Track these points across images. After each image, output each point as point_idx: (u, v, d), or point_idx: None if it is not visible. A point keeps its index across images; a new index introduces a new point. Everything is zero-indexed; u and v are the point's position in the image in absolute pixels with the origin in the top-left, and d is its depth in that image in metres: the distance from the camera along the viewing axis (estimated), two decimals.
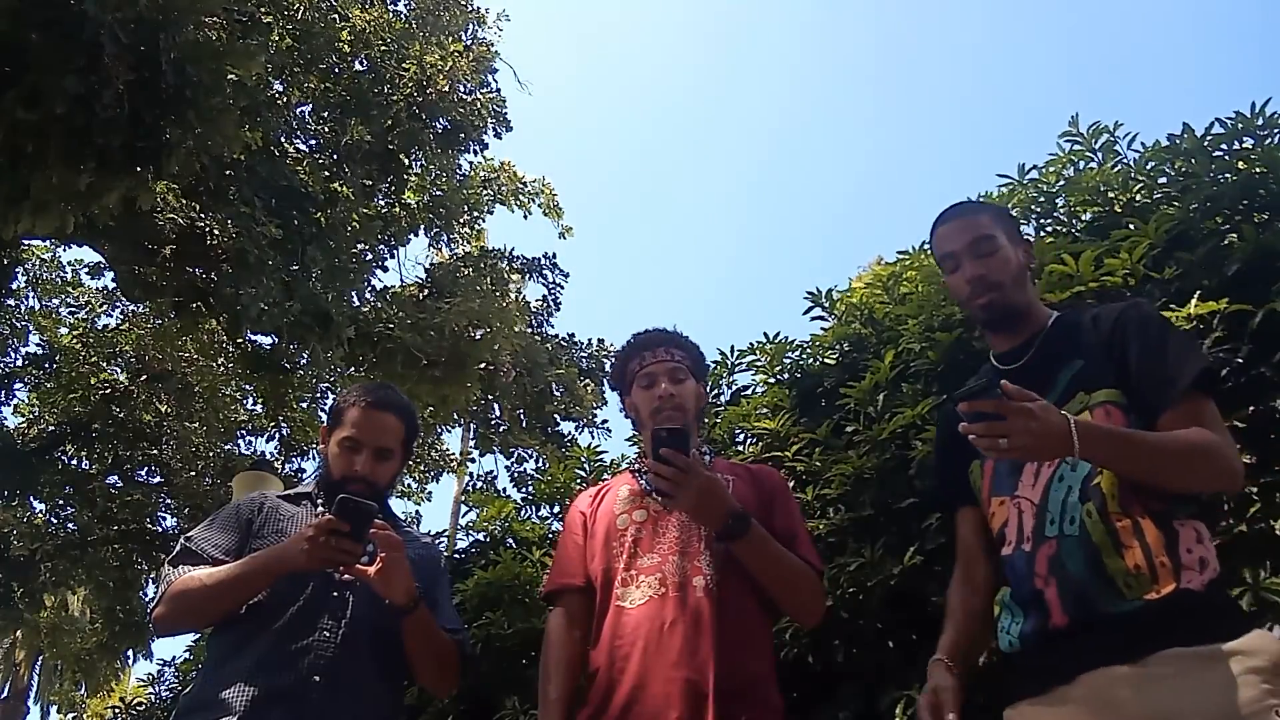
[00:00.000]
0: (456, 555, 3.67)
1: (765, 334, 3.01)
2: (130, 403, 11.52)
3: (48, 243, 10.77)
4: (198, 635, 4.17)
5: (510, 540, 3.37)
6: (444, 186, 11.01)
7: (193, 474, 11.94)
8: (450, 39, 10.32)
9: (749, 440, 2.92)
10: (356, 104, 9.46)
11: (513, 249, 11.78)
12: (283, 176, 8.18)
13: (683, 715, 1.70)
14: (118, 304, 11.69)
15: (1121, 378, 1.55)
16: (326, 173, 9.08)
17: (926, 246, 2.82)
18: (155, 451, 11.93)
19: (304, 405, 11.45)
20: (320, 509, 2.04)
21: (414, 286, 10.72)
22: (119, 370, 11.88)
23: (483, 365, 9.90)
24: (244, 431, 12.47)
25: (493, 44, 10.82)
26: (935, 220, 1.83)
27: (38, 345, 11.77)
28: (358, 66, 9.74)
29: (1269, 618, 1.76)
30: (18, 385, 11.61)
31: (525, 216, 12.23)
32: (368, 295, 9.75)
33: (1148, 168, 2.46)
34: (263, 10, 7.98)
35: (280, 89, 9.30)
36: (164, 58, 5.14)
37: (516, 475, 12.11)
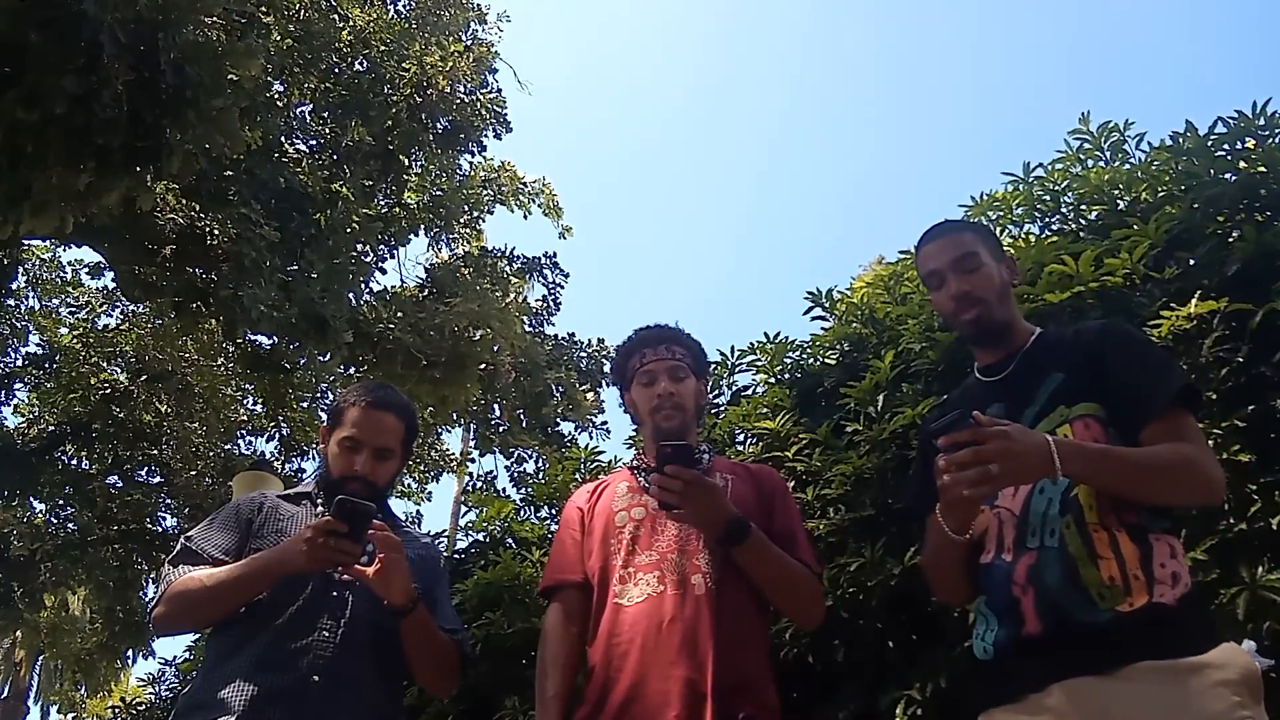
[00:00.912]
0: (456, 555, 3.67)
1: (765, 334, 3.01)
2: (130, 403, 11.52)
3: (48, 243, 10.77)
4: (198, 635, 4.17)
5: (510, 540, 3.37)
6: (444, 186, 11.00)
7: (193, 474, 11.93)
8: (450, 39, 10.31)
9: (749, 440, 2.92)
10: (356, 104, 9.45)
11: (513, 249, 11.79)
12: (282, 177, 8.18)
13: (681, 713, 1.70)
14: (118, 304, 11.68)
15: (1102, 392, 1.57)
16: (326, 173, 9.08)
17: None
18: (155, 451, 11.92)
19: (304, 405, 11.45)
20: (320, 509, 2.04)
21: (414, 287, 10.72)
22: (119, 370, 11.87)
23: (482, 366, 9.89)
24: (244, 431, 12.46)
25: (493, 44, 10.83)
26: (919, 240, 1.87)
27: (38, 345, 11.77)
28: (358, 66, 9.74)
29: (1268, 617, 1.77)
30: (18, 385, 11.60)
31: (525, 216, 12.22)
32: (367, 296, 9.75)
33: (1152, 167, 2.46)
34: (263, 10, 7.96)
35: (280, 89, 9.29)
36: (163, 58, 5.13)
37: (516, 475, 12.12)
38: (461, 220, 11.38)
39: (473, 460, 13.22)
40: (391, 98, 9.65)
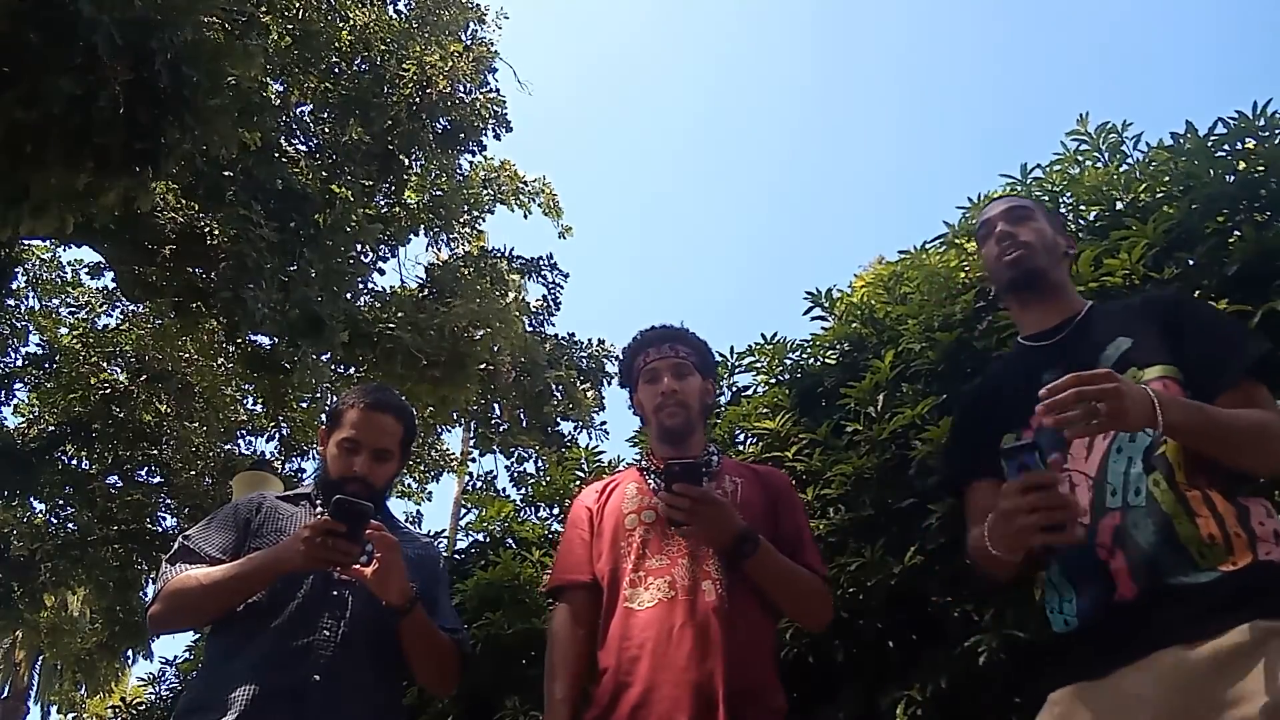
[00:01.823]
0: (456, 555, 3.67)
1: (763, 335, 3.01)
2: (130, 403, 11.51)
3: (48, 243, 10.76)
4: (198, 635, 4.17)
5: (510, 540, 3.36)
6: (444, 186, 11.01)
7: (193, 474, 11.92)
8: (450, 39, 10.30)
9: (749, 440, 2.92)
10: (356, 104, 9.45)
11: (513, 249, 11.79)
12: (282, 177, 8.17)
13: (692, 719, 1.71)
14: (118, 304, 11.67)
15: (1176, 356, 1.50)
16: (325, 173, 9.07)
17: (928, 246, 2.83)
18: (155, 451, 11.91)
19: (304, 405, 11.43)
20: (319, 509, 2.05)
21: (414, 287, 10.72)
22: (119, 370, 11.86)
23: (482, 366, 9.89)
24: (244, 431, 12.46)
25: (493, 43, 10.83)
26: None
27: (38, 345, 11.75)
28: (358, 66, 9.73)
29: None
30: (18, 385, 11.59)
31: (525, 216, 12.24)
32: (367, 296, 9.75)
33: (1151, 167, 2.45)
34: (262, 10, 7.96)
35: (280, 89, 9.29)
36: (161, 58, 5.13)
37: (516, 475, 12.10)
38: (461, 220, 11.39)
39: (473, 460, 13.21)
40: (391, 98, 9.64)
